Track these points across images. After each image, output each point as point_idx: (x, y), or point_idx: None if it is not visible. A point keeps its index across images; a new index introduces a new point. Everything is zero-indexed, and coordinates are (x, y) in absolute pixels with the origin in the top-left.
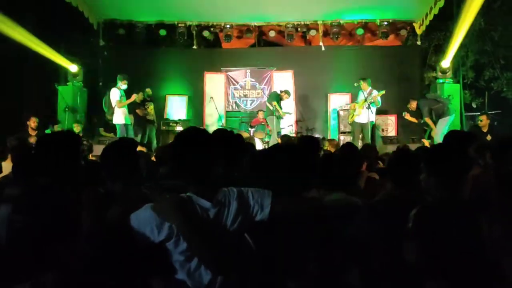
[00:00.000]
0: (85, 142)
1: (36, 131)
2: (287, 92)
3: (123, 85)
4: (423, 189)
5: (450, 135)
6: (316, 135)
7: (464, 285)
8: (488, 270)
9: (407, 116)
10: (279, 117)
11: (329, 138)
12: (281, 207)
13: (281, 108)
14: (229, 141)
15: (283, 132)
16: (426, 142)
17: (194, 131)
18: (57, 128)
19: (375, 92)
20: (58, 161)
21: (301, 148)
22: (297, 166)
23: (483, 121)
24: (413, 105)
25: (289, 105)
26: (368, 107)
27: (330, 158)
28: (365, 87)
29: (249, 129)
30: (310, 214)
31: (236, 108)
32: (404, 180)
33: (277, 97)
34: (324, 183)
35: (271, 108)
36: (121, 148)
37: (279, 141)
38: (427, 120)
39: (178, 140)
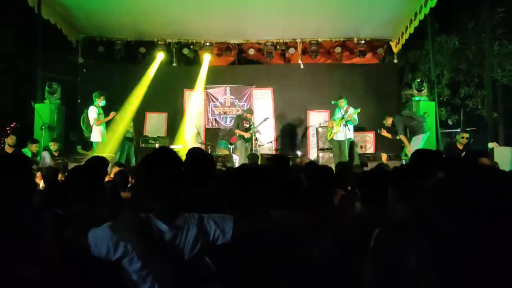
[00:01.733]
0: (59, 161)
1: (13, 149)
2: (247, 111)
3: (101, 102)
4: (389, 209)
5: (416, 154)
6: (298, 152)
7: None
8: None
9: (384, 132)
10: (248, 140)
11: (308, 155)
12: (244, 228)
13: (249, 129)
14: (199, 163)
15: (261, 150)
16: (384, 157)
17: (162, 152)
18: (35, 147)
19: (351, 110)
20: (6, 183)
21: (265, 169)
22: (261, 186)
23: (465, 139)
24: (388, 121)
25: (268, 123)
26: (345, 125)
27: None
28: (342, 104)
29: (229, 146)
30: (275, 233)
31: (216, 125)
32: (371, 200)
33: (237, 124)
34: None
35: (237, 135)
36: (85, 169)
37: (247, 161)
38: (402, 137)
39: (145, 161)
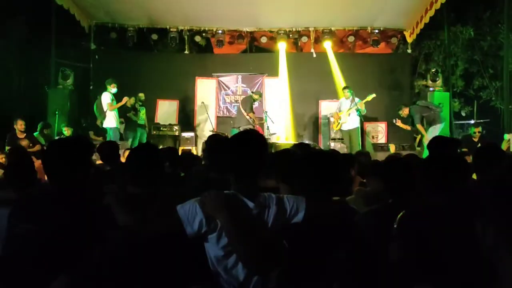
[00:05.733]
0: None
1: (25, 134)
2: (256, 93)
3: (112, 88)
4: (417, 196)
5: (435, 142)
6: (306, 141)
7: None
8: (479, 275)
9: (399, 123)
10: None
11: (319, 145)
12: (314, 210)
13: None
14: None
15: (272, 138)
16: (393, 148)
17: (248, 134)
18: (48, 132)
19: (357, 99)
20: (70, 168)
21: (332, 158)
22: (328, 174)
23: (477, 132)
24: (405, 111)
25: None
26: (358, 114)
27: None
28: (348, 95)
29: None
30: (338, 216)
31: (227, 114)
32: (397, 187)
33: (250, 106)
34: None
35: (250, 120)
36: (145, 152)
37: None
38: (419, 126)
39: (234, 141)
